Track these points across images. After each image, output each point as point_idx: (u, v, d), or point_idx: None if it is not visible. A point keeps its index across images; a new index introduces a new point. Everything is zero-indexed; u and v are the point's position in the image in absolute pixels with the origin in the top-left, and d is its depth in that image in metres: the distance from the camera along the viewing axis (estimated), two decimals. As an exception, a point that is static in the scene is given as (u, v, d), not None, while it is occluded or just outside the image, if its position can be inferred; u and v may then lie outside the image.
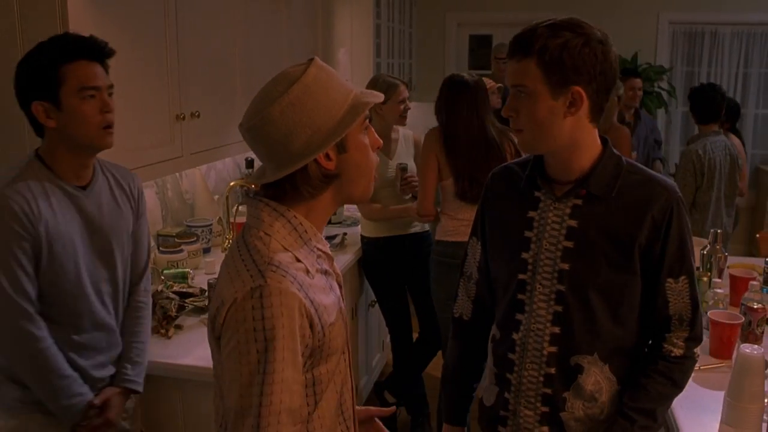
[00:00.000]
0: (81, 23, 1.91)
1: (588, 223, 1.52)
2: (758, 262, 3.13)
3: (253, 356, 1.15)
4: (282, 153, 1.24)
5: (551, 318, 1.55)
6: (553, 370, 1.56)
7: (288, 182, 1.27)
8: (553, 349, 1.56)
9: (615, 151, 1.56)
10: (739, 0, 6.39)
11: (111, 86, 1.77)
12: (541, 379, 1.57)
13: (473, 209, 3.15)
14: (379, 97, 1.33)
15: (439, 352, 3.49)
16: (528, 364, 1.59)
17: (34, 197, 1.71)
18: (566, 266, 1.53)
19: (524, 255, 1.57)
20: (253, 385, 1.15)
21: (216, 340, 1.24)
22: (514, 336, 1.60)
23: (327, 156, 1.26)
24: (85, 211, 1.82)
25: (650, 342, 1.60)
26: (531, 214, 1.57)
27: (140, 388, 1.95)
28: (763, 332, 2.34)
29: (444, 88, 3.12)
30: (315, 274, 1.28)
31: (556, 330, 1.55)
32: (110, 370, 1.93)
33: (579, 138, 1.50)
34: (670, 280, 1.53)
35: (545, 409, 1.58)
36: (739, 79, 6.59)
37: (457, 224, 3.09)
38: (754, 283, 2.47)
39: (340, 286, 1.42)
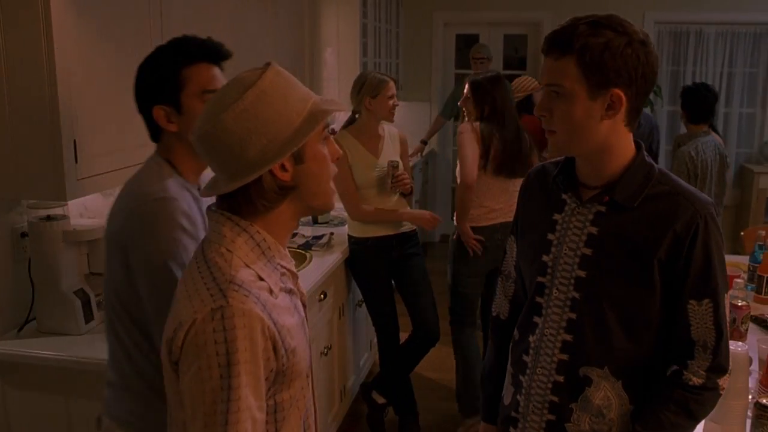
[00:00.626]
0: (65, 26, 1.90)
1: (608, 231, 1.46)
2: (743, 259, 3.15)
3: (216, 382, 1.08)
4: (235, 163, 1.17)
5: (565, 325, 1.51)
6: (561, 379, 1.52)
7: (241, 194, 1.19)
8: (564, 356, 1.51)
9: (648, 158, 1.48)
10: (723, 0, 6.44)
11: None
12: (550, 385, 1.53)
13: (496, 199, 3.31)
14: (341, 105, 1.29)
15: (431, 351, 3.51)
16: (539, 368, 1.55)
17: (184, 197, 1.63)
18: (583, 274, 1.48)
19: (545, 258, 1.54)
20: (217, 414, 1.08)
21: (173, 365, 1.15)
22: (530, 339, 1.57)
23: (283, 167, 1.19)
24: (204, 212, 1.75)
25: (672, 367, 1.47)
26: (556, 216, 1.53)
27: None
28: (747, 329, 2.36)
29: (479, 85, 3.40)
30: (279, 294, 1.21)
31: (569, 338, 1.50)
32: None
33: (613, 142, 1.43)
34: (692, 302, 1.42)
35: (551, 417, 1.54)
36: (724, 78, 6.64)
37: (481, 211, 3.40)
38: (739, 280, 2.50)
39: (304, 306, 1.35)
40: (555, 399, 1.52)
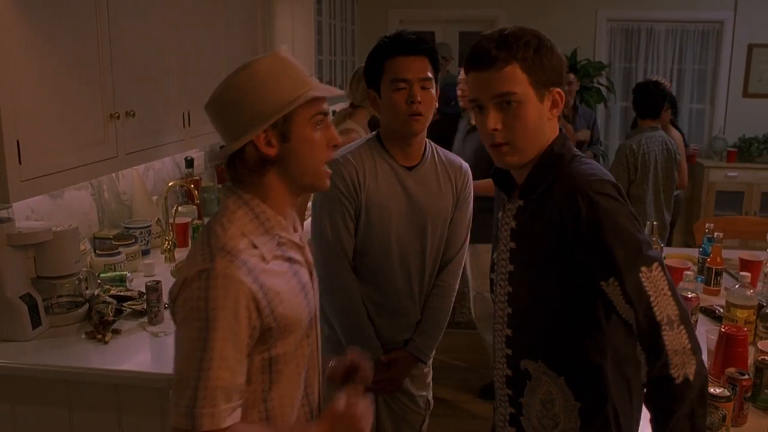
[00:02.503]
0: (5, 25, 1.84)
1: (522, 224, 1.50)
2: (694, 252, 3.21)
3: (195, 333, 1.22)
4: (231, 125, 1.33)
5: (506, 319, 1.55)
6: (510, 373, 1.56)
7: (230, 164, 1.35)
8: (509, 351, 1.56)
9: (557, 149, 1.46)
10: (672, -3, 6.59)
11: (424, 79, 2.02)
12: (504, 379, 1.59)
13: None
14: (333, 91, 1.39)
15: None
16: (497, 362, 1.61)
17: (363, 168, 2.06)
18: (512, 267, 1.53)
19: (494, 255, 1.61)
20: (192, 360, 1.22)
21: (172, 315, 1.32)
22: (494, 334, 1.63)
23: (269, 142, 1.32)
24: (407, 188, 2.09)
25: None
26: (500, 214, 1.58)
27: (426, 359, 2.22)
28: (697, 320, 2.40)
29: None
30: (271, 260, 1.33)
31: (509, 332, 1.55)
32: (405, 335, 2.20)
33: (551, 139, 1.48)
34: (602, 283, 1.35)
35: (512, 410, 1.59)
36: (674, 74, 6.79)
37: None
38: (689, 273, 2.54)
39: (311, 274, 1.48)
40: (510, 392, 1.58)
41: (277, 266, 1.34)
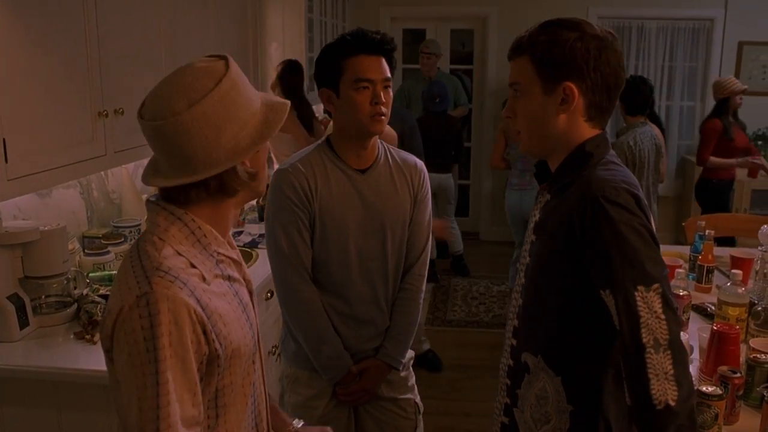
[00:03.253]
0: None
1: (545, 218, 1.49)
2: (685, 249, 3.22)
3: (147, 368, 1.10)
4: (202, 155, 1.19)
5: (517, 310, 1.56)
6: (512, 363, 1.57)
7: (180, 187, 1.22)
8: (514, 341, 1.56)
9: (589, 148, 1.43)
10: (663, -5, 6.59)
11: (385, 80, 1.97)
12: (506, 368, 1.59)
13: None
14: (286, 108, 1.33)
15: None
16: (504, 351, 1.61)
17: (314, 175, 1.99)
18: (529, 260, 1.53)
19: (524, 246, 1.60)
20: (148, 398, 1.10)
21: (106, 353, 1.18)
22: (506, 322, 1.64)
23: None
24: (361, 192, 2.03)
25: None
26: (534, 206, 1.57)
27: (398, 366, 2.15)
28: (689, 318, 2.40)
29: None
30: (212, 280, 1.23)
31: (516, 323, 1.56)
32: (374, 343, 2.14)
33: (573, 138, 1.45)
34: (601, 292, 1.32)
35: (507, 400, 1.59)
36: (665, 72, 6.79)
37: None
38: (681, 270, 2.54)
39: (251, 293, 1.38)
40: (508, 382, 1.58)
41: (217, 287, 1.24)
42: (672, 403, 1.23)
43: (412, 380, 2.28)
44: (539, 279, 1.48)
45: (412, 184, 2.12)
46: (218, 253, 1.27)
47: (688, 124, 6.92)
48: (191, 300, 1.15)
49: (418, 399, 2.28)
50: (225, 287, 1.27)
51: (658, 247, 1.33)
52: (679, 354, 1.26)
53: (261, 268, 2.93)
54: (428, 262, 2.22)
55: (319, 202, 1.99)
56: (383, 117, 1.97)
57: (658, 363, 1.24)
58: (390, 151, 2.14)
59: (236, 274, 1.33)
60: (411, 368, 2.30)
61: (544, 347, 1.48)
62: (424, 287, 2.21)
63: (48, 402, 2.00)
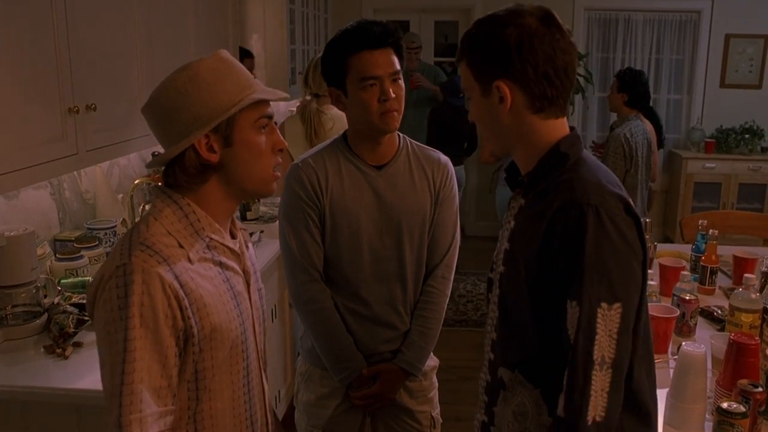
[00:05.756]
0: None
1: (519, 225, 1.39)
2: (684, 248, 3.12)
3: (119, 335, 1.16)
4: (170, 129, 1.26)
5: (494, 323, 1.46)
6: (489, 378, 1.48)
7: (168, 171, 1.29)
8: (492, 355, 1.48)
9: (563, 148, 1.35)
10: (650, -13, 6.51)
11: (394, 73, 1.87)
12: (484, 384, 1.51)
13: None
14: (277, 94, 1.33)
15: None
16: (483, 365, 1.52)
17: (326, 170, 1.92)
18: (503, 269, 1.42)
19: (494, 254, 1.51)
20: (116, 364, 1.16)
21: (93, 323, 1.24)
22: (485, 335, 1.54)
23: (210, 147, 1.26)
24: (376, 189, 1.94)
25: None
26: (507, 212, 1.48)
27: (416, 372, 2.03)
28: (696, 323, 2.29)
29: None
30: (197, 262, 1.27)
31: (494, 336, 1.46)
32: (392, 346, 2.03)
33: (526, 133, 1.37)
34: (569, 302, 1.25)
35: (484, 418, 1.51)
36: (652, 64, 6.71)
37: None
38: (685, 273, 2.43)
39: (248, 284, 1.40)
40: (486, 399, 1.50)
41: (203, 269, 1.28)
42: (599, 419, 1.22)
43: (433, 392, 2.16)
44: (516, 288, 1.37)
45: (433, 182, 2.01)
46: (211, 238, 1.31)
47: (675, 118, 6.86)
48: (168, 275, 1.19)
49: (435, 412, 2.16)
50: (214, 272, 1.30)
51: (645, 257, 1.30)
52: (617, 375, 1.24)
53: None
54: (454, 264, 2.10)
55: (329, 198, 1.92)
56: (395, 113, 1.86)
57: (600, 380, 1.23)
58: (412, 146, 2.03)
59: (231, 263, 1.35)
60: (435, 379, 2.17)
61: (522, 359, 1.39)
62: (448, 291, 2.09)
63: (14, 424, 1.86)
